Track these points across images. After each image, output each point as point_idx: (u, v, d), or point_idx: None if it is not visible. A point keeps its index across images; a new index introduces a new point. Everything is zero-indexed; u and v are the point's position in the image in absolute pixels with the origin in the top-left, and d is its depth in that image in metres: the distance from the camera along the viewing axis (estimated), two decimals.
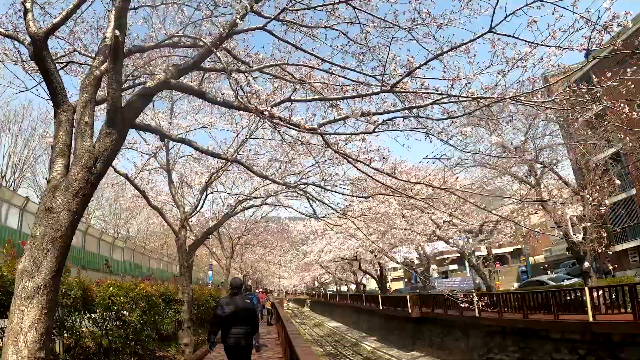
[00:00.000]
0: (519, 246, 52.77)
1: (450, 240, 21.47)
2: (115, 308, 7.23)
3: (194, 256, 10.42)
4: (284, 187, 10.95)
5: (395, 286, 68.50)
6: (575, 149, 16.00)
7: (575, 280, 21.36)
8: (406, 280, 58.70)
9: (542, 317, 15.35)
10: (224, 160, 9.96)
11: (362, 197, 12.30)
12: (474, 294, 19.04)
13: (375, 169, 5.78)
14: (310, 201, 9.88)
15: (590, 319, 12.76)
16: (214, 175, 10.63)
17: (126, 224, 39.63)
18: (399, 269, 62.17)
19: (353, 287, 55.16)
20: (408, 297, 23.82)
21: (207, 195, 11.13)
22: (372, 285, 56.52)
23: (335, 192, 9.73)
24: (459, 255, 42.90)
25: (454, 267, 45.16)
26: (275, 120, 4.72)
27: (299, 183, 10.34)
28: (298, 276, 63.72)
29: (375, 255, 30.46)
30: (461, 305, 19.50)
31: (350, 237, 26.61)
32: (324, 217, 10.63)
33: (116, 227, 39.11)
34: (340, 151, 5.62)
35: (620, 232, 25.06)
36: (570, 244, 16.49)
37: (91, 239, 28.02)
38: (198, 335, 12.81)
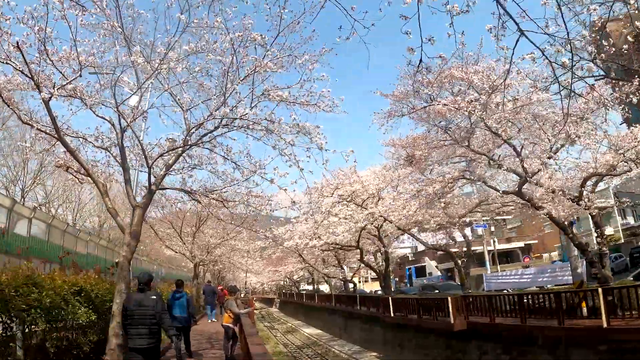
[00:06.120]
0: (530, 241, 45.90)
1: (543, 205, 13.11)
2: None
3: None
4: None
5: (375, 286, 60.40)
6: None
7: None
8: (397, 279, 50.58)
9: None
10: None
11: None
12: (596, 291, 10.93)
13: None
14: None
15: None
16: None
17: (37, 180, 28.44)
18: None
19: (328, 286, 46.85)
20: (450, 299, 15.41)
21: None
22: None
23: None
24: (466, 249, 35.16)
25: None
26: None
27: None
28: (268, 272, 54.56)
29: (382, 243, 21.81)
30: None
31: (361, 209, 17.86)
32: None
33: (22, 181, 27.87)
34: None
35: None
36: None
37: None
38: None
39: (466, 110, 9.95)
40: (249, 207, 9.81)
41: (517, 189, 12.35)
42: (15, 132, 25.86)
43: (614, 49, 7.73)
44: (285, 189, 6.65)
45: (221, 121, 6.67)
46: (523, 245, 46.33)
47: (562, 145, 13.30)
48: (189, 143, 6.89)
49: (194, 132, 6.95)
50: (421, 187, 13.83)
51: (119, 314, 6.05)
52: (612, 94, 11.97)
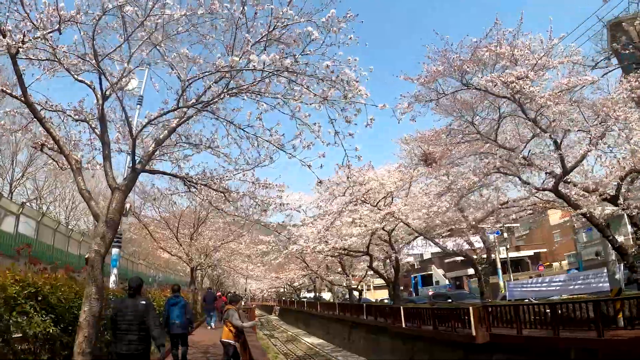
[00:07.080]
0: (539, 250, 44.48)
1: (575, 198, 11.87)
2: None
3: None
4: None
5: (379, 295, 58.60)
6: None
7: None
8: (401, 288, 49.05)
9: None
10: None
11: None
12: None
13: None
14: None
15: None
16: None
17: (27, 173, 26.67)
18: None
19: (331, 294, 45.42)
20: (471, 310, 14.14)
21: None
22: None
23: None
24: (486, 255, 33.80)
25: (472, 270, 36.01)
26: None
27: None
28: (269, 279, 53.06)
29: (393, 248, 20.49)
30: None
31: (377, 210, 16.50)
32: None
33: (10, 174, 26.14)
34: None
35: None
36: None
37: None
38: None
39: (512, 90, 8.67)
40: (255, 199, 8.47)
41: (553, 186, 11.06)
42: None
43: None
44: (310, 165, 5.34)
45: (227, 85, 5.37)
46: (532, 254, 44.90)
47: (603, 135, 11.92)
48: (185, 105, 5.55)
49: (193, 103, 5.67)
50: (455, 178, 12.47)
51: (88, 326, 4.80)
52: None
